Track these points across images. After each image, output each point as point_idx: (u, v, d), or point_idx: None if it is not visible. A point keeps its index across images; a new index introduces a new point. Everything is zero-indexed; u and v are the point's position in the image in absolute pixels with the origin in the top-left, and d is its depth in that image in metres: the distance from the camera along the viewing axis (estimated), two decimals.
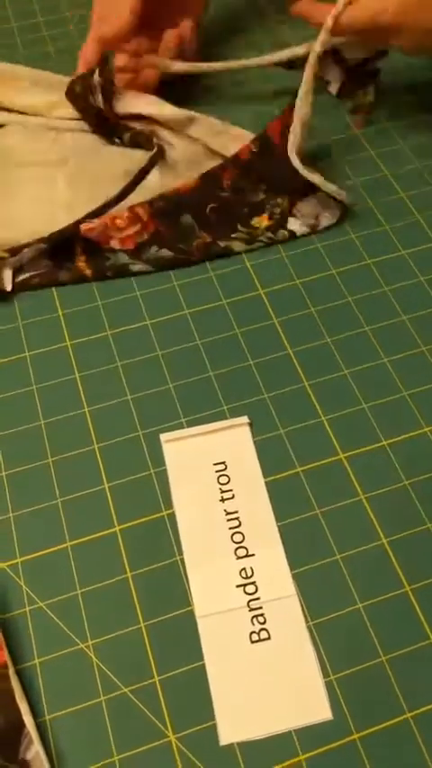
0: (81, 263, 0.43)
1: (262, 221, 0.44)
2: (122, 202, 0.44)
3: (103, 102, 0.46)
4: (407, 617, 0.31)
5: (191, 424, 0.37)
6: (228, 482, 0.35)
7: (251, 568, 0.33)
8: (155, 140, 0.46)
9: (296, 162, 0.43)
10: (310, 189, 0.44)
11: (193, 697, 0.30)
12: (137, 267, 0.43)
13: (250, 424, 0.37)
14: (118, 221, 0.43)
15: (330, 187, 0.43)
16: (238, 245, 0.44)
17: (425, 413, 0.37)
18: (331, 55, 0.47)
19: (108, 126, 0.48)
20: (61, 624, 0.31)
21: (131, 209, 0.43)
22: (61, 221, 0.43)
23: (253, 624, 0.31)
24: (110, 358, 0.40)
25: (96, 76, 0.46)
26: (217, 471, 0.35)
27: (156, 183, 0.45)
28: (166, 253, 0.43)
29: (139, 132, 0.47)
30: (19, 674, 0.30)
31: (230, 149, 0.46)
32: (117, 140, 0.48)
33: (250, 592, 0.32)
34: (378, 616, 0.31)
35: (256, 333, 0.41)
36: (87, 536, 0.34)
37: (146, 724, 0.29)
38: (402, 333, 0.40)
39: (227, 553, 0.33)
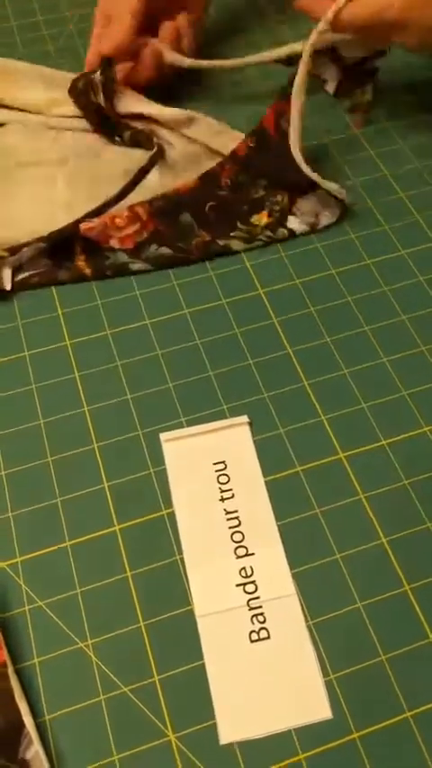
0: (80, 262, 0.43)
1: (261, 219, 0.44)
2: (122, 202, 0.44)
3: (104, 101, 0.46)
4: (406, 616, 0.31)
5: (190, 423, 0.37)
6: (227, 481, 0.35)
7: (251, 568, 0.33)
8: (155, 140, 0.46)
9: (299, 158, 0.42)
10: (311, 186, 0.44)
11: (193, 696, 0.30)
12: (136, 266, 0.43)
13: (250, 424, 0.37)
14: (117, 220, 0.43)
15: (331, 185, 0.43)
16: (237, 244, 0.44)
17: (424, 412, 0.37)
18: (329, 53, 0.46)
19: (109, 124, 0.48)
20: (61, 623, 0.31)
21: (131, 208, 0.43)
22: (61, 221, 0.43)
23: (253, 623, 0.31)
24: (109, 357, 0.40)
25: (98, 75, 0.46)
26: (217, 471, 0.35)
27: (155, 183, 0.45)
28: (165, 251, 0.43)
29: (140, 131, 0.47)
30: (18, 673, 0.30)
31: (230, 149, 0.46)
32: (117, 139, 0.48)
33: (250, 591, 0.32)
34: (378, 615, 0.31)
35: (255, 332, 0.41)
36: (87, 535, 0.34)
37: (145, 723, 0.29)
38: (402, 332, 0.40)
39: (226, 552, 0.33)
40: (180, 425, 0.37)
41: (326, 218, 0.45)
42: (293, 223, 0.44)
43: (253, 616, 0.31)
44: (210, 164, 0.46)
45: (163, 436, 0.36)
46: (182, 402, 0.38)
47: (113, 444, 0.36)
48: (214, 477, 0.35)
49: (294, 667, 0.30)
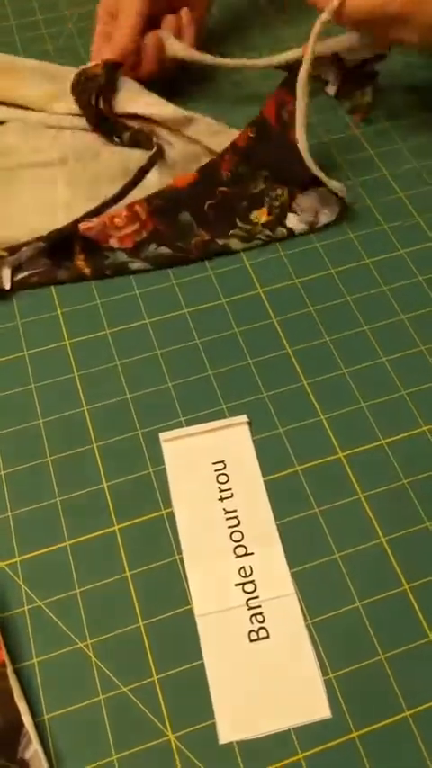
0: (80, 261, 0.43)
1: (261, 216, 0.44)
2: (121, 201, 0.44)
3: (103, 103, 0.46)
4: (406, 615, 0.31)
5: (190, 423, 0.37)
6: (227, 481, 0.35)
7: (250, 567, 0.33)
8: (155, 140, 0.46)
9: (306, 153, 0.42)
10: (312, 181, 0.44)
11: (192, 696, 0.30)
12: (136, 265, 0.43)
13: (249, 423, 0.37)
14: (116, 220, 0.43)
15: (333, 183, 0.43)
16: (236, 244, 0.44)
17: (423, 412, 0.37)
18: (330, 56, 0.46)
19: (108, 125, 0.48)
20: (60, 623, 0.31)
21: (130, 207, 0.43)
22: (60, 220, 0.43)
23: (252, 623, 0.31)
24: (109, 357, 0.40)
25: (102, 78, 0.46)
26: (216, 470, 0.35)
27: (155, 183, 0.45)
28: (164, 250, 0.43)
29: (139, 131, 0.47)
30: (18, 673, 0.30)
31: None
32: (117, 139, 0.48)
33: (249, 590, 0.32)
34: (377, 614, 0.31)
35: (254, 332, 0.41)
36: (86, 535, 0.34)
37: (145, 723, 0.29)
38: (401, 332, 0.40)
39: (226, 552, 0.33)
40: (179, 425, 0.37)
41: (325, 217, 0.45)
42: (293, 221, 0.44)
43: (252, 615, 0.31)
44: None
45: (162, 436, 0.36)
46: (181, 402, 0.38)
47: (113, 444, 0.36)
48: (213, 477, 0.35)
49: (293, 667, 0.30)
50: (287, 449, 0.36)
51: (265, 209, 0.44)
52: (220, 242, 0.44)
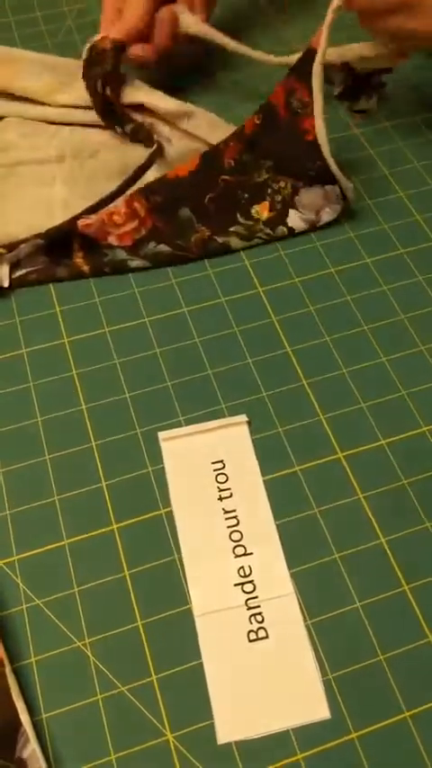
0: (78, 259, 0.43)
1: (262, 211, 0.44)
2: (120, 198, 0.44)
3: (110, 91, 0.46)
4: (405, 616, 0.31)
5: (189, 422, 0.37)
6: (226, 480, 0.35)
7: (249, 567, 0.32)
8: (155, 137, 0.46)
9: (326, 148, 0.42)
10: (317, 176, 0.43)
11: (191, 696, 0.29)
12: (135, 263, 0.43)
13: (248, 423, 0.37)
14: (115, 217, 0.43)
15: (343, 180, 0.43)
16: (235, 242, 0.44)
17: (423, 412, 0.37)
18: (339, 64, 0.46)
19: (114, 115, 0.47)
20: (58, 622, 0.31)
21: (128, 203, 0.43)
22: (58, 218, 0.43)
23: (251, 623, 0.31)
24: (107, 355, 0.40)
25: (109, 64, 0.45)
26: (215, 470, 0.35)
27: None
28: (164, 248, 0.43)
29: (141, 126, 0.46)
30: (15, 672, 0.30)
31: None
32: (119, 130, 0.47)
33: (248, 590, 0.32)
34: (376, 615, 0.31)
35: (254, 331, 0.40)
36: (85, 534, 0.33)
37: (143, 723, 0.29)
38: (401, 332, 0.40)
39: (225, 551, 0.33)
40: (178, 424, 0.37)
41: (327, 215, 0.44)
42: (294, 219, 0.44)
43: (251, 615, 0.31)
44: None
45: (161, 435, 0.36)
46: (180, 401, 0.38)
47: (111, 443, 0.36)
48: (212, 477, 0.35)
49: (292, 667, 0.30)
50: (286, 448, 0.36)
51: (266, 204, 0.44)
52: (220, 240, 0.44)
